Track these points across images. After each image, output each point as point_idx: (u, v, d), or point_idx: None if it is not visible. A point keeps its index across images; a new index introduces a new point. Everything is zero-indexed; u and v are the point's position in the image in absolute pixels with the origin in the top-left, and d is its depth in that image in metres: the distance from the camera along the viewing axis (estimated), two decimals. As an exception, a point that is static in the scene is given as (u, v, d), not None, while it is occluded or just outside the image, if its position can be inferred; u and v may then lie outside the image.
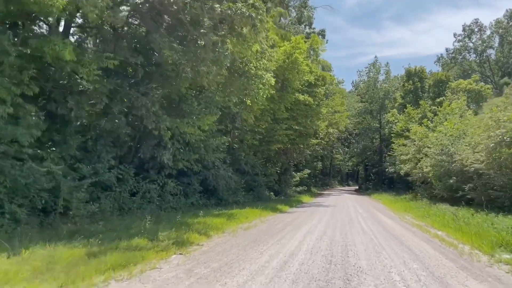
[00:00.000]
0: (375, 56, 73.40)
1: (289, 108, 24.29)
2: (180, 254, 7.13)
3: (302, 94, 24.82)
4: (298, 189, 35.62)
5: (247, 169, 23.36)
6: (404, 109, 37.52)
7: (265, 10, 11.97)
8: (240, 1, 11.42)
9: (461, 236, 9.98)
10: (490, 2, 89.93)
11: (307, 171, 36.96)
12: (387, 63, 55.21)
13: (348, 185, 76.03)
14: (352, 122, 50.66)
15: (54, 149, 10.60)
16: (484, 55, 48.72)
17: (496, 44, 47.84)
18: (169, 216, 12.33)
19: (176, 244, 7.70)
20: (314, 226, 12.01)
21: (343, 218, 15.07)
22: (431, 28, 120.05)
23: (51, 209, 9.72)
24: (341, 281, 5.35)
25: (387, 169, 38.48)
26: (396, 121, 38.76)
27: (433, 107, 34.42)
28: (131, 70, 13.61)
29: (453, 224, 11.98)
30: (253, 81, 15.29)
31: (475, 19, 48.88)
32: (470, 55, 50.02)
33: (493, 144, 14.74)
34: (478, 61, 49.99)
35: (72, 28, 12.79)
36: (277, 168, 29.81)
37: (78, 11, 11.00)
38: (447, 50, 51.66)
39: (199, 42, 11.32)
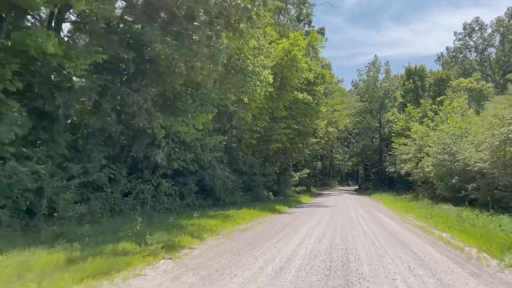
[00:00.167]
0: (375, 55, 73.00)
1: (287, 106, 23.82)
2: (169, 259, 6.66)
3: (301, 93, 24.34)
4: (297, 189, 35.17)
5: (245, 169, 22.89)
6: (405, 108, 37.11)
7: (261, 2, 11.49)
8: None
9: (467, 238, 9.54)
10: (490, 1, 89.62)
11: (306, 171, 36.50)
12: (387, 62, 54.91)
13: (348, 185, 75.60)
14: (352, 121, 50.23)
15: (41, 148, 10.13)
16: (485, 53, 48.26)
17: (497, 43, 47.37)
18: (163, 217, 11.84)
19: (165, 248, 7.23)
20: (313, 227, 11.54)
21: (343, 219, 14.61)
22: (431, 28, 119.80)
23: (36, 210, 9.24)
24: (342, 290, 4.89)
25: (387, 169, 38.08)
26: (396, 120, 38.36)
27: (434, 106, 34.04)
28: (124, 67, 13.16)
29: (458, 226, 11.55)
30: (250, 78, 14.81)
31: (476, 18, 48.53)
32: (471, 54, 49.58)
33: (497, 143, 14.30)
34: (479, 59, 49.52)
35: (65, 24, 12.39)
36: (276, 168, 29.36)
37: (69, 7, 10.57)
38: (447, 48, 51.22)
39: (194, 37, 10.87)
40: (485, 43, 47.31)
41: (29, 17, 11.19)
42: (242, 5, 9.89)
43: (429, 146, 22.25)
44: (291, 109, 24.65)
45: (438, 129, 23.34)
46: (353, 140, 56.47)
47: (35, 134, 10.25)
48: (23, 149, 9.52)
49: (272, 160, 28.90)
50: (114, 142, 13.03)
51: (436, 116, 28.04)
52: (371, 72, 50.25)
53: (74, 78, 10.36)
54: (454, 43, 50.36)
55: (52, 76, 10.63)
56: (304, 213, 17.29)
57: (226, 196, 19.02)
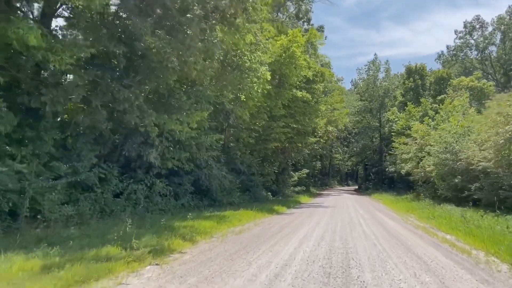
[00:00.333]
0: (375, 54, 72.46)
1: (286, 105, 23.35)
2: (156, 264, 6.19)
3: (300, 91, 23.87)
4: (296, 189, 34.74)
5: (243, 169, 22.43)
6: (405, 107, 36.69)
7: (258, -6, 11.03)
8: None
9: (473, 241, 9.10)
10: (490, 1, 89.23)
11: (305, 170, 36.04)
12: (387, 60, 54.22)
13: (348, 185, 75.17)
14: (352, 121, 49.79)
15: (27, 146, 9.66)
16: (486, 52, 47.82)
17: (498, 41, 46.90)
18: (156, 219, 11.36)
19: (153, 253, 6.76)
20: (311, 229, 11.08)
21: (343, 219, 14.15)
22: (430, 27, 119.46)
23: (20, 212, 8.77)
24: (342, 301, 4.43)
25: (387, 169, 37.69)
26: (396, 119, 37.94)
27: (434, 105, 33.65)
28: (116, 62, 12.69)
29: (462, 227, 11.10)
30: (246, 75, 14.33)
31: (477, 16, 48.08)
32: (471, 52, 49.13)
33: (502, 141, 13.85)
34: (480, 58, 49.08)
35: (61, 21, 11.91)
36: (275, 168, 28.91)
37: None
38: (447, 47, 50.74)
39: (188, 32, 10.39)
40: (486, 41, 46.86)
41: (21, 13, 10.73)
42: (237, -4, 9.40)
43: (431, 145, 21.81)
44: (289, 107, 24.18)
45: (440, 128, 22.91)
46: (353, 140, 56.02)
47: (20, 132, 9.79)
48: (7, 147, 9.06)
49: (271, 160, 28.43)
50: (105, 141, 12.56)
51: (437, 115, 27.64)
52: (371, 71, 49.81)
53: (67, 74, 9.95)
54: (454, 42, 49.98)
55: (39, 71, 10.21)
56: (303, 214, 16.83)
57: (223, 197, 18.56)
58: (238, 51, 14.97)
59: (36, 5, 11.09)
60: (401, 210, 19.18)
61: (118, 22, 12.25)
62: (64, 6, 11.67)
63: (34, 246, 6.77)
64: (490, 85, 36.51)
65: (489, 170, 15.11)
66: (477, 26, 47.42)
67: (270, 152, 26.88)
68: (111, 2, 11.53)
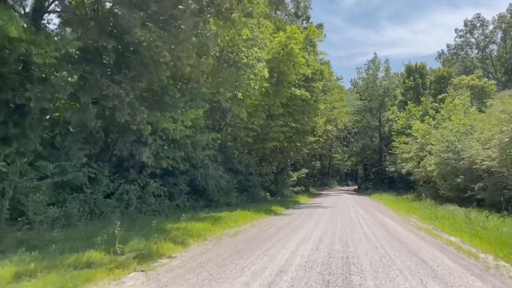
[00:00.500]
0: (375, 53, 71.88)
1: (285, 103, 22.88)
2: (142, 271, 5.73)
3: (299, 89, 23.41)
4: (295, 189, 34.29)
5: (241, 168, 21.97)
6: (405, 107, 36.28)
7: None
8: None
9: (479, 243, 8.65)
10: (489, 1, 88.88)
11: (304, 170, 35.57)
12: (387, 59, 53.79)
13: (347, 185, 74.75)
14: (351, 120, 49.35)
15: (11, 144, 9.19)
16: (487, 50, 47.40)
17: (499, 40, 46.48)
18: (148, 220, 10.89)
19: (140, 258, 6.30)
20: (310, 231, 10.62)
21: (343, 220, 13.70)
22: (430, 27, 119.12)
23: (2, 213, 8.30)
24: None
25: (387, 168, 37.28)
26: (396, 118, 37.51)
27: (435, 104, 33.23)
28: (108, 58, 12.23)
29: (467, 228, 10.67)
30: (243, 71, 13.87)
31: (477, 14, 47.52)
32: (472, 51, 48.73)
33: (507, 139, 13.40)
34: (480, 57, 48.67)
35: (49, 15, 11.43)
36: (273, 168, 28.44)
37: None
38: (448, 46, 50.30)
39: (182, 26, 9.93)
40: (487, 39, 46.44)
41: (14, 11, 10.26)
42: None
43: (432, 144, 21.38)
44: (288, 106, 23.72)
45: (441, 127, 22.49)
46: (352, 140, 55.55)
47: (4, 129, 9.32)
48: (-12, 145, 8.60)
49: (269, 160, 27.97)
50: (96, 139, 12.09)
51: (438, 114, 27.23)
52: (370, 70, 49.35)
53: (54, 69, 9.47)
54: (455, 40, 49.55)
55: (25, 66, 9.73)
56: (302, 215, 16.38)
57: (219, 197, 18.10)
58: (235, 47, 14.52)
59: (29, 1, 10.65)
60: (402, 211, 18.75)
61: (109, 15, 11.82)
62: (57, 2, 11.26)
63: (12, 251, 6.31)
64: (491, 84, 36.07)
65: (493, 169, 14.66)
66: (478, 25, 47.01)
67: (269, 152, 26.42)
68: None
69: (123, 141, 12.35)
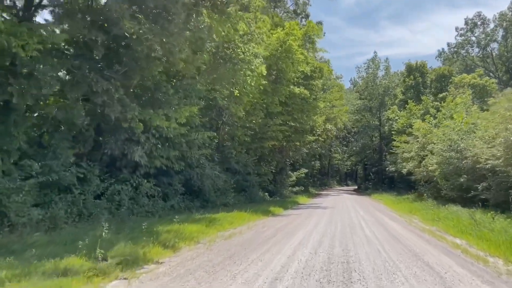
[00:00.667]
0: (375, 52, 71.22)
1: (283, 102, 22.40)
2: (124, 279, 5.26)
3: (298, 87, 22.93)
4: (294, 189, 33.87)
5: (238, 168, 21.51)
6: (405, 106, 35.84)
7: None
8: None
9: (487, 246, 8.20)
10: (488, 1, 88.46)
11: (304, 170, 35.12)
12: (387, 58, 53.46)
13: (347, 185, 74.32)
14: (351, 119, 48.89)
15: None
16: (488, 49, 46.96)
17: (500, 38, 46.04)
18: (140, 222, 10.39)
19: (124, 264, 5.84)
20: (309, 233, 10.15)
21: (343, 222, 13.24)
22: (429, 27, 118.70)
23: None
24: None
25: (387, 168, 36.84)
26: (396, 118, 37.06)
27: (436, 103, 32.78)
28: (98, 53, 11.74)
29: (473, 230, 10.20)
30: (239, 67, 13.40)
31: (478, 12, 47.05)
32: (473, 49, 48.26)
33: (513, 137, 12.93)
34: (481, 55, 48.21)
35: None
36: (272, 167, 27.98)
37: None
38: (448, 44, 49.83)
39: (173, 18, 9.46)
40: (488, 38, 45.98)
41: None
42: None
43: (433, 143, 20.91)
44: (287, 104, 23.25)
45: (443, 125, 22.02)
46: (352, 139, 55.08)
47: (-15, 127, 8.86)
48: (-32, 143, 8.13)
49: (268, 159, 27.51)
50: (85, 138, 11.61)
51: (439, 113, 26.78)
52: (370, 69, 48.88)
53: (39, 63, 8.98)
54: (455, 38, 49.09)
55: (10, 60, 9.26)
56: (301, 216, 15.91)
57: (216, 198, 17.63)
58: (231, 43, 14.06)
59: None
60: (403, 211, 18.30)
61: (99, 9, 11.35)
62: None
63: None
64: (492, 83, 35.61)
65: (498, 168, 14.18)
66: (479, 23, 46.56)
67: (267, 151, 25.97)
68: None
69: (114, 139, 11.88)
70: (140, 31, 8.79)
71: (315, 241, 8.78)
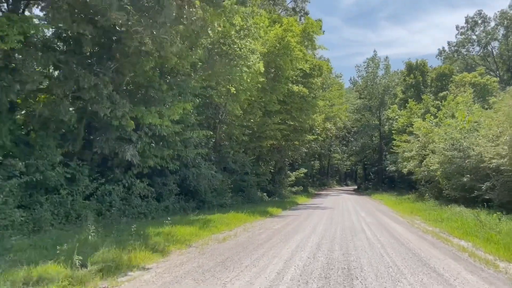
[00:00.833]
0: (374, 51, 70.63)
1: (282, 100, 21.91)
2: (104, 288, 4.80)
3: (297, 85, 22.45)
4: (293, 189, 33.39)
5: (236, 168, 21.03)
6: (406, 105, 35.40)
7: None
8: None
9: (496, 249, 7.75)
10: (485, 1, 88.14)
11: (303, 170, 34.61)
12: (387, 57, 53.01)
13: (347, 185, 73.88)
14: (351, 119, 48.41)
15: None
16: (488, 47, 46.51)
17: (500, 37, 45.57)
18: (131, 224, 9.92)
19: (106, 271, 5.38)
20: (307, 236, 9.68)
21: (343, 223, 12.78)
22: (427, 27, 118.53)
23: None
24: None
25: (387, 168, 36.39)
26: (397, 117, 36.62)
27: (437, 102, 32.35)
28: (89, 49, 11.26)
29: (479, 232, 9.75)
30: (235, 62, 12.92)
31: (479, 11, 46.62)
32: (473, 48, 47.81)
33: (519, 135, 12.50)
34: (482, 54, 47.75)
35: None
36: (271, 167, 27.50)
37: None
38: (449, 43, 49.39)
39: (166, 12, 9.00)
40: (489, 36, 45.54)
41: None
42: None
43: (435, 142, 20.47)
44: (285, 103, 22.76)
45: (444, 123, 21.58)
46: (352, 139, 54.57)
47: (-34, 124, 8.40)
48: None
49: (266, 159, 27.03)
50: (74, 136, 11.15)
51: (439, 112, 26.34)
52: (370, 68, 48.40)
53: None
54: (456, 37, 48.63)
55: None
56: (300, 217, 15.45)
57: (213, 198, 17.16)
58: (227, 38, 13.58)
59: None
60: (405, 212, 17.84)
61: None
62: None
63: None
64: (494, 81, 35.17)
65: (502, 167, 13.75)
66: (479, 22, 46.12)
67: (266, 151, 25.50)
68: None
69: (105, 138, 11.39)
70: (129, 23, 8.31)
71: (314, 244, 8.31)
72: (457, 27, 47.94)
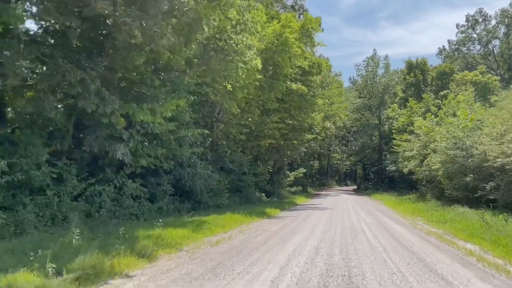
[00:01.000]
0: (374, 49, 70.04)
1: (280, 98, 21.46)
2: (78, 300, 4.33)
3: (295, 83, 22.00)
4: (292, 189, 32.92)
5: (233, 168, 20.56)
6: (406, 104, 34.98)
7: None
8: None
9: (505, 253, 7.30)
10: (485, 1, 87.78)
11: (302, 170, 34.15)
12: (386, 56, 52.54)
13: (346, 185, 73.47)
14: (350, 118, 47.97)
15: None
16: (489, 46, 46.11)
17: (501, 35, 45.15)
18: (121, 226, 9.45)
19: (84, 279, 4.91)
20: (305, 239, 9.22)
21: (343, 224, 12.33)
22: (427, 27, 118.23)
23: None
24: None
25: (387, 168, 35.96)
26: (397, 116, 36.19)
27: (437, 101, 31.94)
28: (79, 44, 10.79)
29: (485, 234, 9.30)
30: (231, 57, 12.46)
31: (479, 9, 46.22)
32: (474, 47, 47.40)
33: (525, 133, 12.06)
34: (483, 53, 47.35)
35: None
36: (269, 167, 27.05)
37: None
38: (449, 41, 48.93)
39: (155, 2, 8.54)
40: (489, 35, 45.12)
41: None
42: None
43: (437, 141, 20.03)
44: (284, 101, 22.31)
45: (446, 122, 21.14)
46: (351, 138, 54.15)
47: None
48: None
49: (265, 158, 26.58)
50: (62, 134, 10.67)
51: (440, 111, 25.93)
52: (369, 67, 47.98)
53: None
54: (456, 36, 48.22)
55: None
56: (298, 218, 15.00)
57: (209, 198, 16.69)
58: (223, 33, 13.12)
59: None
60: (406, 213, 17.41)
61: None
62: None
63: None
64: (495, 80, 34.76)
65: (507, 167, 13.31)
66: (480, 20, 45.71)
67: (264, 150, 25.04)
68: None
69: (94, 136, 10.91)
70: (116, 14, 7.85)
71: (312, 248, 7.85)
72: (457, 25, 47.58)
